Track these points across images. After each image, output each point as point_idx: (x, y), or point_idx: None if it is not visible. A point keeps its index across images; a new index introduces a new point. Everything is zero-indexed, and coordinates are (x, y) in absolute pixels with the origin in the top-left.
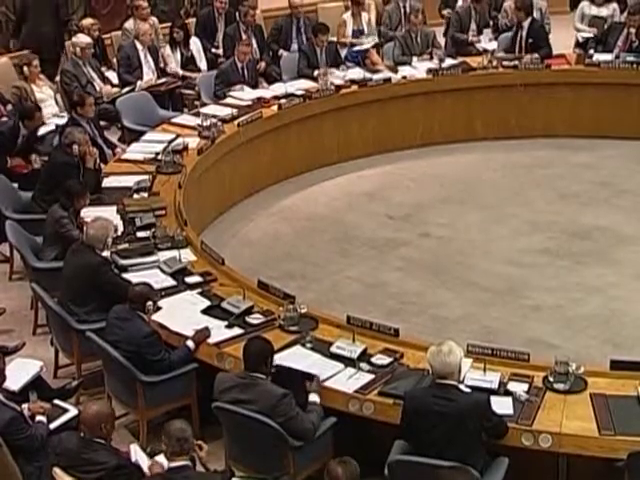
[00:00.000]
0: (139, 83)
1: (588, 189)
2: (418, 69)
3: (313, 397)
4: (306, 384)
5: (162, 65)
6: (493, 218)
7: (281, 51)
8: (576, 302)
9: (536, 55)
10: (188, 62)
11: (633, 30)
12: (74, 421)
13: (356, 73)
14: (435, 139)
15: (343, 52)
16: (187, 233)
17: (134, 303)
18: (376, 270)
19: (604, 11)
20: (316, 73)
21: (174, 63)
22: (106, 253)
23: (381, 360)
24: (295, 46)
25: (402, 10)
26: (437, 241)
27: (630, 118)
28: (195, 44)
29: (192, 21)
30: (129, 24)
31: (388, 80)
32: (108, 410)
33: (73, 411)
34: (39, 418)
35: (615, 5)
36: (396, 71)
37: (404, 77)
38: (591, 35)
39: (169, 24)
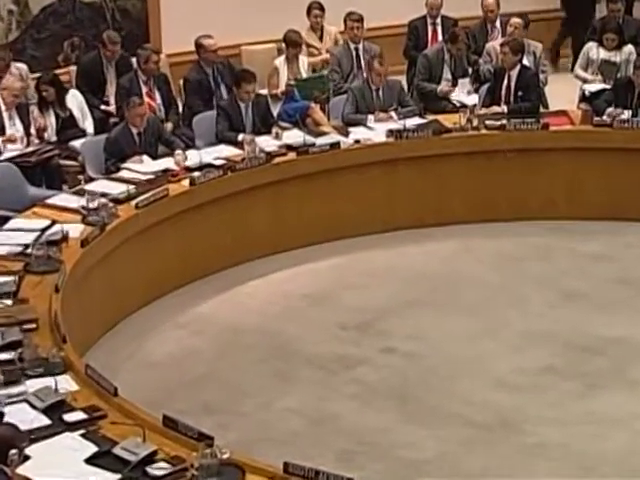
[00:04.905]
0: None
1: (600, 288)
2: (376, 131)
3: None
4: None
5: (33, 130)
6: (478, 327)
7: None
8: (590, 438)
9: (526, 104)
10: (67, 124)
11: None
12: None
13: (294, 136)
14: (399, 222)
15: (276, 109)
16: (66, 353)
17: None
18: (323, 399)
19: (617, 56)
20: (240, 137)
21: (49, 127)
22: None
23: None
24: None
25: (354, 54)
26: (404, 359)
27: None
28: (75, 99)
29: (73, 69)
30: None
31: (336, 145)
32: None
33: None
34: None
35: (631, 48)
36: (347, 133)
37: (357, 141)
38: (600, 87)
39: (37, 76)
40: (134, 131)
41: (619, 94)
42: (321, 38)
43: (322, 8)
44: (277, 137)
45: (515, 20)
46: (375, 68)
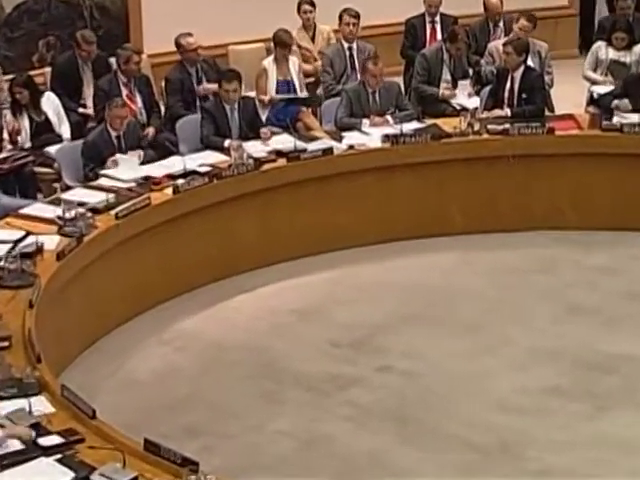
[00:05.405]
0: None
1: (608, 302)
2: (371, 136)
3: None
4: None
5: (6, 135)
6: (479, 344)
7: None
8: (599, 464)
9: (530, 108)
10: (42, 129)
11: None
12: None
13: (284, 141)
14: (395, 233)
15: (264, 113)
16: (41, 373)
17: None
18: (315, 421)
19: (627, 56)
20: (227, 142)
21: (23, 132)
22: None
23: None
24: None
25: (347, 54)
26: (401, 378)
27: None
28: (51, 102)
29: (49, 71)
30: None
31: (329, 151)
32: None
33: None
34: None
35: None
36: (340, 138)
37: (351, 147)
38: (610, 89)
39: (10, 77)
40: (113, 134)
41: (629, 90)
42: (313, 38)
43: (312, 4)
44: (266, 138)
45: (524, 23)
46: (369, 69)
